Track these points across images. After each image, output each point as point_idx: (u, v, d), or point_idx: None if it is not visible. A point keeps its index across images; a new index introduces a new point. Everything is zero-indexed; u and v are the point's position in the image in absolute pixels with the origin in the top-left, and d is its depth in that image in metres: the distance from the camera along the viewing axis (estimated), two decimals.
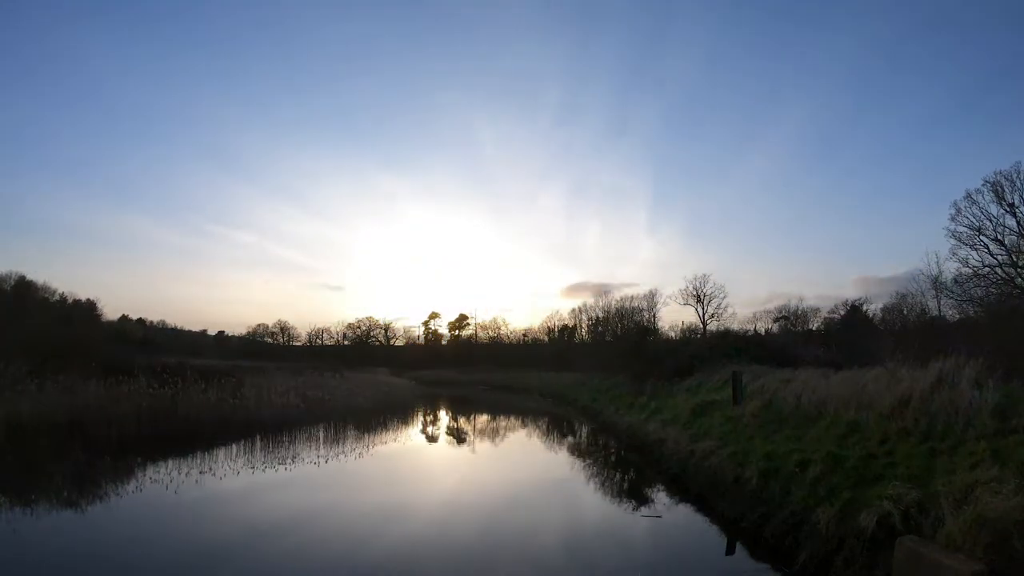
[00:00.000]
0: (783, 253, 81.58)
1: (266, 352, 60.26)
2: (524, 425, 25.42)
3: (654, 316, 48.19)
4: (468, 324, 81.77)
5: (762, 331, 43.96)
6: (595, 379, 32.42)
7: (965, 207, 24.28)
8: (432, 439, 20.36)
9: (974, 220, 24.00)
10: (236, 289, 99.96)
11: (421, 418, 27.02)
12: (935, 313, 24.95)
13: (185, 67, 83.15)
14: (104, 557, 7.20)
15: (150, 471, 12.08)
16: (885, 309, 33.18)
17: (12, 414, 15.57)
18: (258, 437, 17.04)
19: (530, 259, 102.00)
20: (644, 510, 8.92)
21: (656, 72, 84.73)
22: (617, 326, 44.09)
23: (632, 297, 50.18)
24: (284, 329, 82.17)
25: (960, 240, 24.19)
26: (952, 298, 24.36)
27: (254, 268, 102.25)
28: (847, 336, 27.45)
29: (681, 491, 11.25)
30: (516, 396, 41.42)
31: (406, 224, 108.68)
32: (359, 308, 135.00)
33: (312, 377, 27.01)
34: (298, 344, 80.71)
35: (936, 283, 24.88)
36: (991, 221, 23.70)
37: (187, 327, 73.41)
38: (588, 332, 61.18)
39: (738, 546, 7.98)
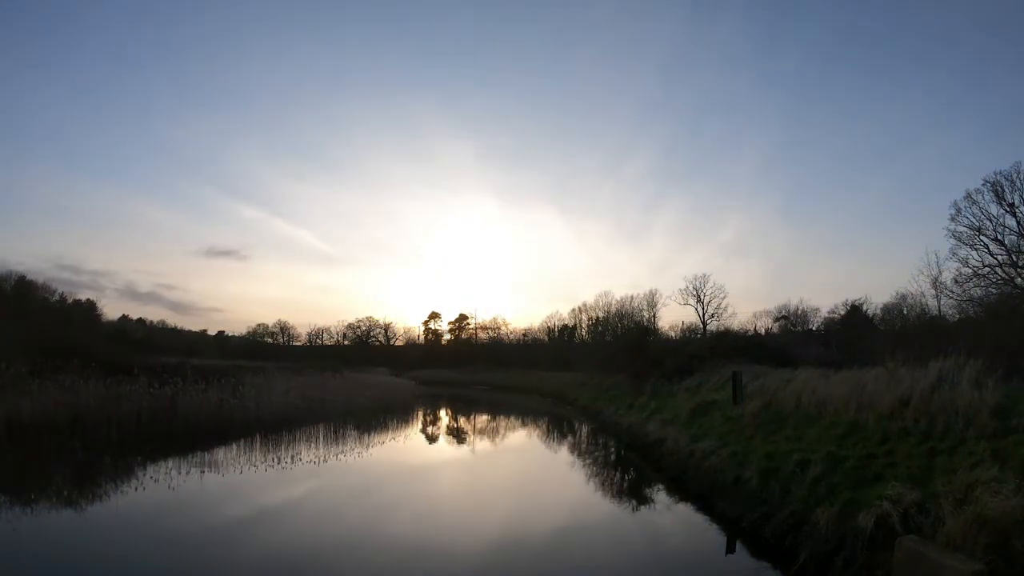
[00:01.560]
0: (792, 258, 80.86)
1: (266, 352, 60.40)
2: (524, 425, 25.43)
3: (654, 316, 48.39)
4: (468, 324, 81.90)
5: (762, 331, 44.04)
6: (595, 379, 32.42)
7: (965, 207, 24.34)
8: (432, 439, 20.36)
9: (974, 220, 24.05)
10: (241, 277, 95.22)
11: (421, 418, 27.02)
12: (935, 313, 24.96)
13: None
14: (104, 556, 7.19)
15: (150, 471, 12.07)
16: (885, 309, 33.22)
17: (12, 414, 15.55)
18: (258, 437, 17.04)
19: (595, 245, 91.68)
20: None
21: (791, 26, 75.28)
22: (617, 326, 44.18)
23: (632, 297, 50.39)
24: (284, 329, 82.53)
25: (960, 240, 24.25)
26: (952, 298, 24.40)
27: (261, 251, 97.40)
28: (847, 336, 27.46)
29: (681, 491, 11.25)
30: (516, 396, 41.43)
31: (454, 198, 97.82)
32: (388, 301, 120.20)
33: (312, 377, 26.97)
34: (298, 344, 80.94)
35: (936, 283, 24.91)
36: (991, 221, 23.74)
37: (187, 327, 73.76)
38: (588, 332, 61.26)
39: (738, 545, 7.99)
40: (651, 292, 50.09)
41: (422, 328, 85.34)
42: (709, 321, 47.81)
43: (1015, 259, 22.88)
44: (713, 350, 22.14)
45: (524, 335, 73.89)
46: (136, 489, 10.55)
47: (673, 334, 41.58)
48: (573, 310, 66.76)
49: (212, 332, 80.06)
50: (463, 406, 34.72)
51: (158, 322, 71.08)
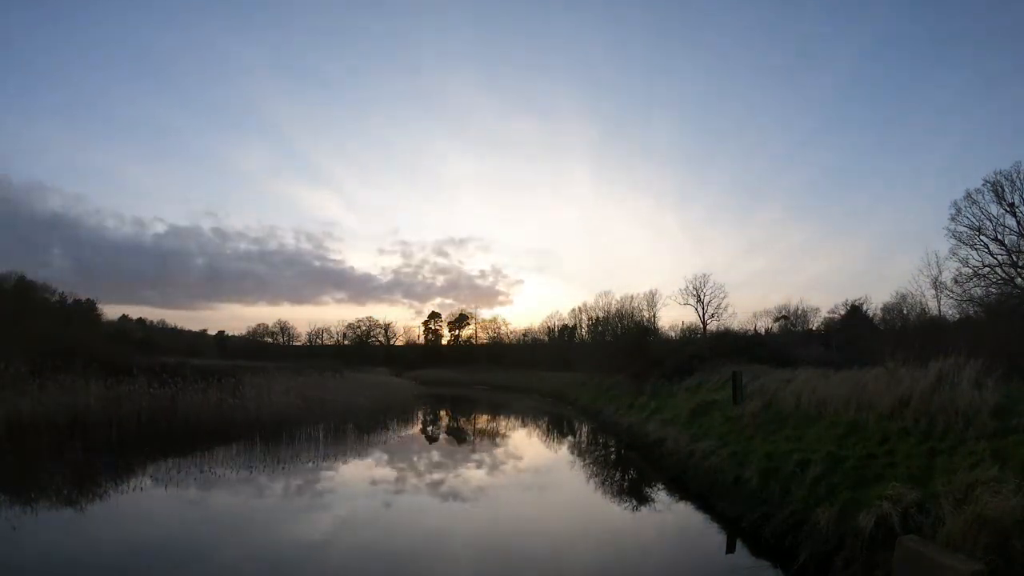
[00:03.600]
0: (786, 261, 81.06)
1: (266, 352, 60.35)
2: (524, 425, 25.41)
3: (654, 316, 48.27)
4: (468, 324, 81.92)
5: (762, 331, 44.01)
6: (595, 379, 32.42)
7: (965, 207, 24.37)
8: (432, 439, 20.34)
9: (974, 220, 24.08)
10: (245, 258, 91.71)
11: (421, 418, 27.00)
12: (935, 313, 24.98)
13: None
14: (103, 556, 7.20)
15: (150, 470, 12.08)
16: (885, 309, 33.26)
17: (12, 414, 15.56)
18: (258, 437, 17.02)
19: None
20: None
21: None
22: (617, 326, 44.07)
23: (632, 297, 50.33)
24: (284, 329, 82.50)
25: (960, 240, 24.29)
26: (952, 298, 24.45)
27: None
28: (847, 336, 27.47)
29: (681, 490, 11.25)
30: (516, 396, 41.42)
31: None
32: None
33: (312, 377, 26.98)
34: (298, 344, 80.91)
35: (936, 283, 24.95)
36: (991, 221, 23.78)
37: (187, 327, 73.80)
38: (588, 332, 61.22)
39: (738, 545, 7.99)
40: (651, 292, 50.08)
41: (422, 328, 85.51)
42: (709, 321, 47.79)
43: (1015, 259, 22.90)
44: (713, 350, 22.13)
45: (524, 335, 73.98)
46: (136, 489, 10.55)
47: (673, 334, 41.45)
48: (573, 310, 66.87)
49: (212, 332, 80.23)
50: (463, 406, 34.70)
51: (158, 322, 71.16)
